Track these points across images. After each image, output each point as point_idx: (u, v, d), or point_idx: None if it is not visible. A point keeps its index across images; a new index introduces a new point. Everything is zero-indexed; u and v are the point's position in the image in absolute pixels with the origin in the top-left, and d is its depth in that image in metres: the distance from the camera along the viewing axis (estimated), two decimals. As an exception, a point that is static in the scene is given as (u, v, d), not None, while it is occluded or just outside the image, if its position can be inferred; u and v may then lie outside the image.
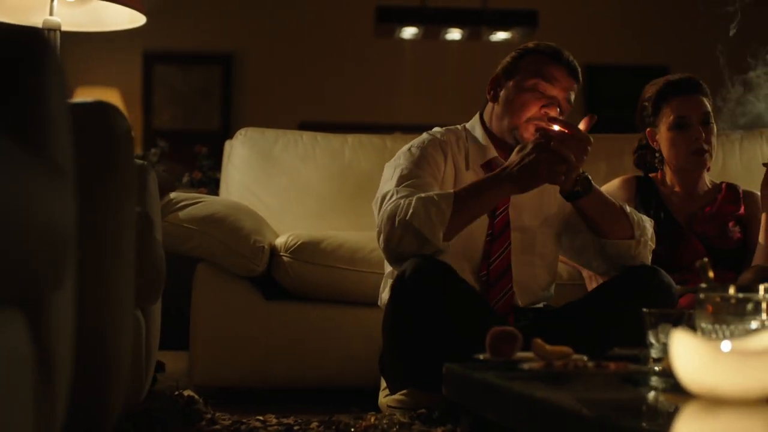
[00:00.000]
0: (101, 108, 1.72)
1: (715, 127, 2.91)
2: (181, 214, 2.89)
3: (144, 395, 2.39)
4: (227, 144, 3.63)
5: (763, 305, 1.80)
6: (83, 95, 6.44)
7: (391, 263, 2.58)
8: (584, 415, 1.23)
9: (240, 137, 3.60)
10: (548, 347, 1.89)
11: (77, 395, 1.65)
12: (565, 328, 2.42)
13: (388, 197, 2.53)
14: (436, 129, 2.76)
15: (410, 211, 2.41)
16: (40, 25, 2.96)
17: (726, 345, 1.41)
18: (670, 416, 1.36)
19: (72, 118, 1.67)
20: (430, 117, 6.75)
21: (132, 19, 3.14)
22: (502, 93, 2.69)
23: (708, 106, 2.89)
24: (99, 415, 1.72)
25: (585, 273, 2.90)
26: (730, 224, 2.88)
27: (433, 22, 6.00)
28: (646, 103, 2.97)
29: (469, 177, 2.63)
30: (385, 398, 2.54)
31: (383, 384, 2.60)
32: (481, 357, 1.93)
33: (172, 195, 2.94)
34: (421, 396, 2.39)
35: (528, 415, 1.49)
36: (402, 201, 2.46)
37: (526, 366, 1.75)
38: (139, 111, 6.82)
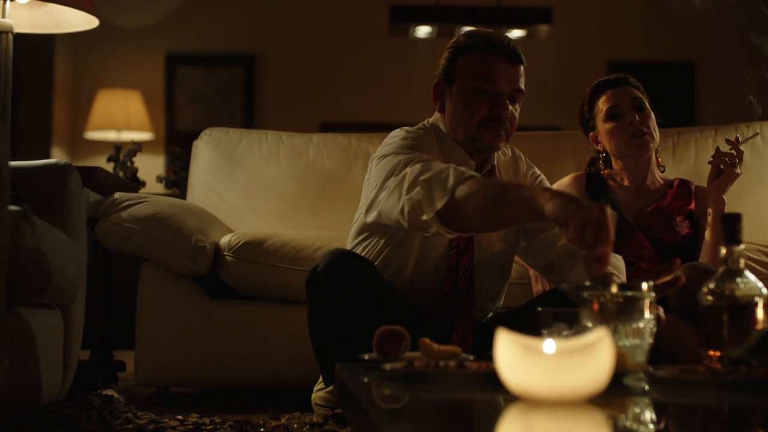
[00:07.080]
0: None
1: (652, 114, 2.91)
2: (124, 213, 2.90)
3: (64, 394, 2.40)
4: (194, 144, 3.63)
5: (646, 303, 1.76)
6: (106, 97, 6.51)
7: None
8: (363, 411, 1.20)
9: (204, 137, 3.59)
10: (435, 347, 1.85)
11: None
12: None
13: (399, 169, 2.27)
14: (406, 128, 2.51)
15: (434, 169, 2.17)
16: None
17: (549, 345, 1.36)
18: (460, 418, 1.32)
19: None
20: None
21: (88, 21, 3.16)
22: (447, 102, 2.52)
23: (638, 94, 2.91)
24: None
25: (531, 272, 2.85)
26: (678, 219, 2.82)
27: (447, 20, 5.95)
28: (585, 107, 3.01)
29: None
30: (315, 394, 2.50)
31: (321, 377, 2.55)
32: (367, 357, 1.89)
33: (116, 195, 2.94)
34: None
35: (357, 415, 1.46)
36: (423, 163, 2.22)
37: (387, 366, 1.72)
38: (161, 112, 6.88)
